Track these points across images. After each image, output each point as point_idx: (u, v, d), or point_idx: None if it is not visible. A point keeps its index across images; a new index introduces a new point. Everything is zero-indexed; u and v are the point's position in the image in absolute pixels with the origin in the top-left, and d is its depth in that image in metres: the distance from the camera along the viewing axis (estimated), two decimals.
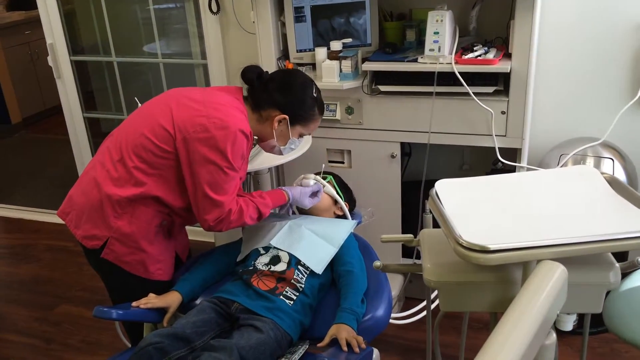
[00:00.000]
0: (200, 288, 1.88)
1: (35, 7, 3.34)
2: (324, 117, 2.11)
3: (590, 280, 1.26)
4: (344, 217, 2.08)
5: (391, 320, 2.49)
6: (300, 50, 2.51)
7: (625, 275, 1.59)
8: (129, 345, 2.04)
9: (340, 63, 2.34)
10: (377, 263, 1.55)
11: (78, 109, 3.50)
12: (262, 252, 1.86)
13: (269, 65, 2.48)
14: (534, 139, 2.43)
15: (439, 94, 2.24)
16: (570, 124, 2.51)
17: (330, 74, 2.33)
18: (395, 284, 2.59)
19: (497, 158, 2.27)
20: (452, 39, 2.22)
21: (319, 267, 1.80)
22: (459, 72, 2.15)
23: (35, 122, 5.84)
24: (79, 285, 3.13)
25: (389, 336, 2.53)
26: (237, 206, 1.78)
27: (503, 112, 2.23)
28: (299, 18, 2.45)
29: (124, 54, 3.37)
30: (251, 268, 1.81)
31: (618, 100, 2.42)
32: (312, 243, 1.86)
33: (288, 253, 1.83)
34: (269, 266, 1.80)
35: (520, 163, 2.28)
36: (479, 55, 2.17)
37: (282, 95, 1.83)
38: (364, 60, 2.37)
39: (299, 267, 1.79)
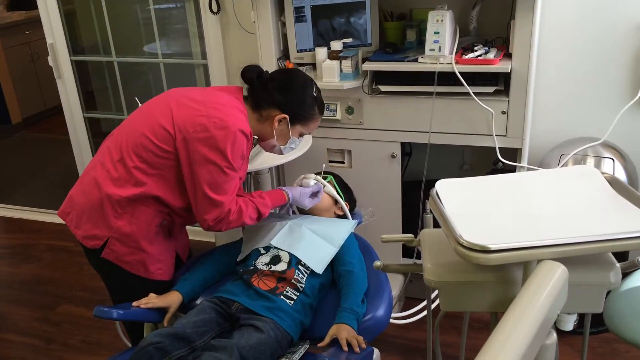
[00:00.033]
0: (201, 288, 1.88)
1: (35, 7, 3.34)
2: (324, 117, 2.11)
3: (590, 280, 1.26)
4: (344, 217, 2.08)
5: (391, 320, 2.49)
6: (301, 50, 2.51)
7: (625, 275, 1.59)
8: (130, 345, 2.04)
9: (340, 63, 2.34)
10: (378, 263, 1.55)
11: (78, 109, 3.50)
12: (263, 252, 1.86)
13: (270, 65, 2.48)
14: (534, 138, 2.43)
15: (439, 93, 2.24)
16: (571, 124, 2.51)
17: (330, 73, 2.33)
18: (396, 283, 2.59)
19: (498, 158, 2.27)
20: (453, 39, 2.22)
21: (319, 267, 1.80)
22: (460, 72, 2.15)
23: (36, 122, 5.84)
24: (79, 285, 3.13)
25: (389, 336, 2.53)
26: (236, 206, 1.78)
27: (503, 112, 2.23)
28: (299, 18, 2.45)
29: (125, 54, 3.37)
30: (251, 268, 1.81)
31: (618, 100, 2.42)
32: (313, 243, 1.86)
33: (288, 253, 1.83)
34: (269, 266, 1.80)
35: (520, 163, 2.28)
36: (480, 55, 2.17)
37: (282, 95, 1.83)
38: (364, 60, 2.37)
39: (300, 267, 1.79)
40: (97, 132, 3.62)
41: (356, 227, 2.01)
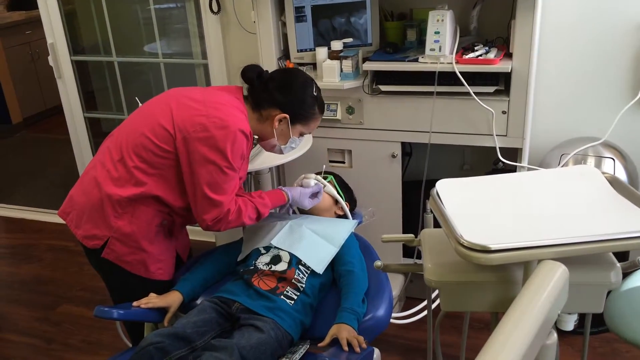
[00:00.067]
0: (201, 288, 1.88)
1: (35, 7, 3.34)
2: (324, 117, 2.11)
3: (591, 280, 1.26)
4: (344, 216, 2.08)
5: (392, 320, 2.49)
6: (301, 50, 2.51)
7: (626, 275, 1.59)
8: (130, 345, 2.03)
9: (341, 63, 2.34)
10: (378, 263, 1.55)
11: (79, 108, 3.50)
12: (263, 251, 1.86)
13: (270, 65, 2.48)
14: (534, 138, 2.43)
15: (439, 93, 2.24)
16: (571, 124, 2.51)
17: (331, 73, 2.33)
18: (396, 283, 2.59)
19: (498, 158, 2.27)
20: (453, 38, 2.22)
21: (319, 267, 1.80)
22: (460, 72, 2.15)
23: (36, 122, 5.84)
24: (79, 285, 3.13)
25: (389, 336, 2.53)
26: (235, 206, 1.78)
27: (504, 112, 2.23)
28: (299, 18, 2.45)
29: (125, 53, 3.37)
30: (252, 268, 1.81)
31: (619, 100, 2.42)
32: (313, 243, 1.86)
33: (289, 253, 1.83)
34: (269, 266, 1.80)
35: (521, 163, 2.28)
36: (480, 55, 2.17)
37: (282, 95, 1.83)
38: (364, 60, 2.37)
39: (300, 266, 1.79)
40: (98, 132, 3.62)
41: (356, 227, 2.01)
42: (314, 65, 2.48)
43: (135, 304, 1.74)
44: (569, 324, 2.27)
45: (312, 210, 2.03)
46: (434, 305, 1.78)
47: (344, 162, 2.55)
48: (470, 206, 1.34)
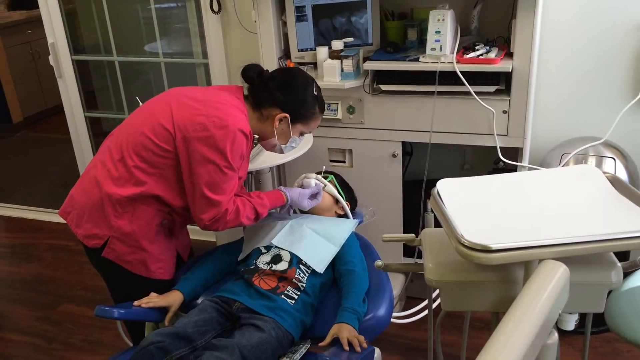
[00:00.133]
0: (202, 287, 1.88)
1: (36, 6, 3.35)
2: (325, 117, 2.11)
3: (592, 280, 1.26)
4: (345, 216, 2.08)
5: (393, 320, 2.49)
6: (302, 50, 2.51)
7: (627, 274, 1.59)
8: (131, 345, 2.04)
9: (341, 62, 2.33)
10: (379, 262, 1.55)
11: (79, 108, 3.50)
12: (264, 251, 1.86)
13: (271, 64, 2.48)
14: (535, 138, 2.43)
15: (440, 93, 2.24)
16: (572, 124, 2.51)
17: (331, 73, 2.33)
18: (397, 283, 2.59)
19: (499, 157, 2.27)
20: (454, 38, 2.22)
21: (320, 266, 1.80)
22: (461, 72, 2.15)
23: (37, 122, 5.85)
24: (80, 285, 3.13)
25: (390, 335, 2.53)
26: (233, 206, 1.78)
27: (504, 112, 2.23)
28: (300, 17, 2.45)
29: (125, 53, 3.37)
30: (252, 267, 1.81)
31: (619, 99, 2.41)
32: (314, 242, 1.86)
33: (289, 252, 1.83)
34: (270, 265, 1.80)
35: (521, 162, 2.28)
36: (481, 55, 2.17)
37: (282, 94, 1.83)
38: (365, 59, 2.36)
39: (301, 266, 1.79)
40: (98, 132, 3.63)
41: (357, 226, 2.01)
42: (314, 65, 2.48)
43: (136, 303, 1.74)
44: (570, 324, 2.27)
45: (313, 210, 2.03)
46: (434, 305, 1.78)
47: (344, 162, 2.55)
48: (471, 206, 1.34)
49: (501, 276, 1.28)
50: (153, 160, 1.74)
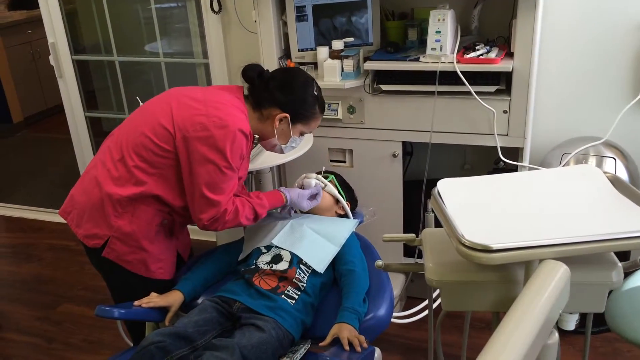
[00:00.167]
0: (202, 287, 1.88)
1: (36, 6, 3.35)
2: (325, 117, 2.11)
3: (592, 280, 1.26)
4: (345, 216, 2.08)
5: (393, 320, 2.49)
6: (302, 50, 2.51)
7: (627, 274, 1.59)
8: (131, 345, 2.04)
9: (342, 62, 2.33)
10: (379, 262, 1.55)
11: (79, 108, 3.50)
12: (264, 250, 1.86)
13: (271, 64, 2.48)
14: (535, 138, 2.43)
15: (440, 93, 2.24)
16: (572, 124, 2.51)
17: (332, 73, 2.33)
18: (397, 283, 2.59)
19: (499, 157, 2.27)
20: (454, 38, 2.22)
21: (320, 266, 1.80)
22: (461, 71, 2.15)
23: (37, 122, 5.85)
24: (80, 285, 3.13)
25: (390, 335, 2.53)
26: (232, 206, 1.77)
27: (505, 112, 2.23)
28: (300, 17, 2.45)
29: (126, 53, 3.37)
30: (253, 267, 1.81)
31: (620, 99, 2.41)
32: (314, 242, 1.86)
33: (290, 252, 1.83)
34: (270, 265, 1.80)
35: (522, 162, 2.28)
36: (481, 55, 2.17)
37: (283, 94, 1.82)
38: (365, 59, 2.36)
39: (301, 266, 1.79)
40: (99, 132, 3.63)
41: (357, 226, 2.01)
42: (315, 65, 2.48)
43: (136, 303, 1.74)
44: (571, 324, 2.27)
45: (313, 210, 2.03)
46: (435, 305, 1.78)
47: (344, 162, 2.55)
48: (471, 206, 1.34)
49: (502, 276, 1.28)
50: (153, 160, 1.74)
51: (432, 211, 1.43)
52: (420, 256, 2.54)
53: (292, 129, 1.86)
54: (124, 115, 3.48)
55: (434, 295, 1.98)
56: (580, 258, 1.21)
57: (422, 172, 2.39)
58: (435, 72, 2.18)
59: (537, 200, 1.35)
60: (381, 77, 2.34)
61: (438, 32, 2.16)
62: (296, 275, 1.76)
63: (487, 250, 1.12)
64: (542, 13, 2.11)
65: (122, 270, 1.82)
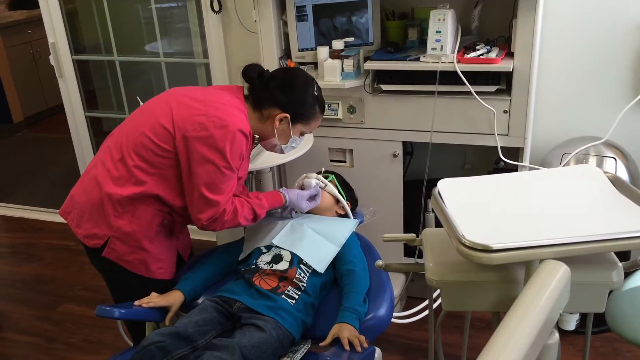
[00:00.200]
0: (202, 287, 1.88)
1: (37, 6, 3.35)
2: (325, 116, 2.11)
3: (593, 280, 1.26)
4: (345, 216, 2.08)
5: (393, 320, 2.49)
6: (302, 49, 2.51)
7: (627, 274, 1.59)
8: (131, 344, 2.04)
9: (342, 62, 2.33)
10: (379, 262, 1.55)
11: (80, 108, 3.50)
12: (264, 250, 1.86)
13: (271, 64, 2.48)
14: (536, 138, 2.43)
15: (441, 93, 2.24)
16: (573, 123, 2.51)
17: (332, 73, 2.33)
18: (397, 283, 2.59)
19: (499, 157, 2.27)
20: (454, 37, 2.22)
21: (321, 266, 1.80)
22: (461, 71, 2.15)
23: (37, 121, 5.85)
24: (80, 284, 3.13)
25: (391, 335, 2.53)
26: (231, 206, 1.77)
27: (505, 111, 2.22)
28: (300, 17, 2.45)
29: (126, 53, 3.37)
30: (253, 267, 1.81)
31: (620, 99, 2.41)
32: (314, 242, 1.86)
33: (290, 252, 1.83)
34: (270, 265, 1.80)
35: (522, 162, 2.28)
36: (481, 54, 2.17)
37: (283, 94, 1.82)
38: (366, 59, 2.36)
39: (301, 265, 1.79)
40: (99, 131, 3.63)
41: (358, 226, 2.01)
42: (315, 65, 2.48)
43: (136, 303, 1.74)
44: (571, 324, 2.27)
45: (314, 210, 2.03)
46: (435, 305, 1.78)
47: (345, 162, 2.55)
48: (471, 206, 1.34)
49: (502, 276, 1.28)
50: (153, 160, 1.74)
51: (433, 211, 1.43)
52: (420, 256, 2.54)
53: (292, 129, 1.86)
54: (124, 115, 3.48)
55: (434, 295, 1.98)
56: (580, 258, 1.21)
57: (423, 172, 2.39)
58: (436, 72, 2.18)
59: (537, 200, 1.35)
60: (381, 77, 2.34)
61: (438, 32, 2.16)
62: (296, 275, 1.77)
63: (488, 250, 1.12)
64: (542, 13, 2.11)
65: (122, 270, 1.82)
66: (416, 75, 2.27)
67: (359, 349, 1.56)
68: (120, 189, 1.75)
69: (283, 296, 1.72)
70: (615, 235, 1.14)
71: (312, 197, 2.01)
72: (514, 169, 2.31)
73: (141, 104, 1.94)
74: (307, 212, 2.04)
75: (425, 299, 2.54)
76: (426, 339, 2.47)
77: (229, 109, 1.75)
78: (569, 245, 1.13)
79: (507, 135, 2.25)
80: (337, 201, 2.07)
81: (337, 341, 1.60)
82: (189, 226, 2.03)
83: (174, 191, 1.78)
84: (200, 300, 1.83)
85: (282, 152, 1.96)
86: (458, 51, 2.19)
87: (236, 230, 2.00)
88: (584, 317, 2.31)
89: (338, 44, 2.37)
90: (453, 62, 2.16)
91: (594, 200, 1.32)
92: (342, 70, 2.34)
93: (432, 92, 2.24)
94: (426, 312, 2.53)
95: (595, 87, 2.45)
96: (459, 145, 2.40)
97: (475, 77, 2.18)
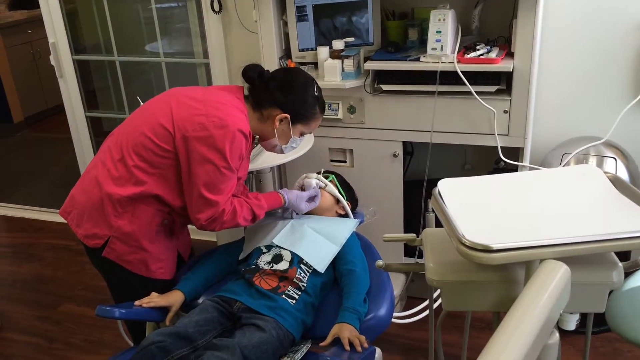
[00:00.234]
0: (203, 287, 1.88)
1: (37, 6, 3.35)
2: (326, 116, 2.10)
3: (593, 280, 1.26)
4: (346, 216, 2.08)
5: (393, 320, 2.49)
6: (303, 50, 2.51)
7: (628, 274, 1.59)
8: (132, 344, 2.04)
9: (342, 62, 2.33)
10: (380, 262, 1.55)
11: (80, 108, 3.50)
12: (265, 250, 1.86)
13: (272, 64, 2.48)
14: (536, 138, 2.43)
15: (441, 93, 2.24)
16: (573, 123, 2.51)
17: (332, 73, 2.33)
18: (398, 283, 2.59)
19: (500, 157, 2.27)
20: (455, 38, 2.22)
21: (321, 266, 1.80)
22: (462, 71, 2.15)
23: (37, 121, 5.85)
24: (81, 284, 3.14)
25: (391, 335, 2.53)
26: (231, 207, 1.77)
27: (505, 111, 2.22)
28: (301, 17, 2.45)
29: (126, 53, 3.37)
30: (253, 267, 1.81)
31: (620, 99, 2.41)
32: (315, 241, 1.86)
33: (290, 251, 1.83)
34: (271, 265, 1.80)
35: (522, 162, 2.28)
36: (482, 54, 2.17)
37: (283, 94, 1.82)
38: (366, 59, 2.36)
39: (302, 265, 1.79)
40: (99, 131, 3.63)
41: (358, 226, 2.01)
42: (315, 65, 2.48)
43: (137, 303, 1.74)
44: (571, 324, 2.27)
45: (314, 210, 2.03)
46: (435, 305, 1.78)
47: (345, 162, 2.55)
48: (472, 206, 1.34)
49: (502, 276, 1.28)
50: (153, 160, 1.74)
51: (433, 211, 1.43)
52: (420, 256, 2.54)
53: (292, 129, 1.86)
54: (124, 115, 3.48)
55: (435, 295, 1.98)
56: (580, 258, 1.21)
57: (423, 172, 2.39)
58: (436, 72, 2.18)
59: (537, 200, 1.35)
60: (382, 77, 2.34)
61: (438, 32, 2.16)
62: (297, 275, 1.77)
63: (488, 250, 1.12)
64: (542, 13, 2.11)
65: (123, 270, 1.82)
66: (416, 75, 2.27)
67: (359, 349, 1.56)
68: (120, 189, 1.75)
69: (283, 296, 1.72)
70: (616, 236, 1.14)
71: (311, 199, 2.01)
72: (514, 169, 2.31)
73: (141, 104, 1.94)
74: (308, 212, 2.04)
75: (425, 299, 2.54)
76: (426, 339, 2.47)
77: (229, 109, 1.75)
78: (569, 246, 1.13)
79: (508, 135, 2.25)
80: (338, 201, 2.07)
81: (337, 341, 1.60)
82: (189, 226, 2.03)
83: (174, 191, 1.78)
84: (200, 300, 1.83)
85: (282, 152, 1.96)
86: (458, 51, 2.19)
87: (236, 230, 2.00)
88: (584, 317, 2.32)
89: (338, 44, 2.37)
90: (453, 62, 2.16)
91: (594, 200, 1.32)
92: (343, 70, 2.34)
93: (432, 92, 2.24)
94: (426, 312, 2.53)
95: (595, 87, 2.45)
96: (459, 145, 2.40)
97: (476, 77, 2.18)
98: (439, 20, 2.14)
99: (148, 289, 1.80)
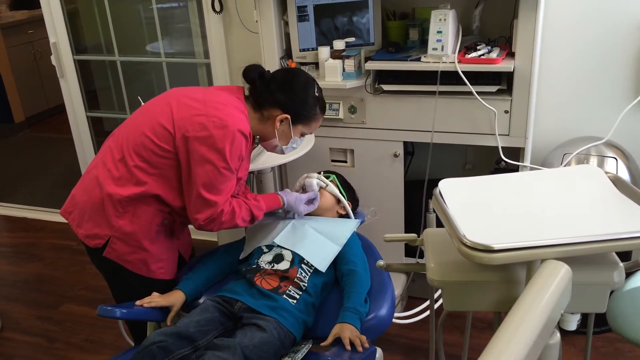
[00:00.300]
0: (204, 287, 1.88)
1: (38, 6, 3.35)
2: (326, 117, 2.10)
3: (594, 280, 1.25)
4: (346, 216, 2.08)
5: (394, 320, 2.49)
6: (303, 50, 2.51)
7: (629, 274, 1.59)
8: (132, 344, 2.04)
9: (343, 62, 2.33)
10: (381, 262, 1.55)
11: (81, 108, 3.50)
12: (266, 250, 1.86)
13: (272, 64, 2.48)
14: (537, 138, 2.43)
15: (442, 93, 2.24)
16: (574, 123, 2.51)
17: (333, 73, 2.33)
18: (399, 283, 2.59)
19: (501, 157, 2.27)
20: (455, 38, 2.22)
21: (322, 265, 1.80)
22: (462, 71, 2.15)
23: (38, 121, 5.85)
24: (82, 284, 3.14)
25: (392, 335, 2.53)
26: (229, 207, 1.77)
27: (506, 111, 2.22)
28: (302, 17, 2.45)
29: (127, 53, 3.37)
30: (254, 266, 1.81)
31: (621, 99, 2.41)
32: (316, 241, 1.86)
33: (291, 251, 1.83)
34: (272, 264, 1.80)
35: (523, 162, 2.28)
36: (482, 55, 2.17)
37: (283, 95, 1.82)
38: (367, 59, 2.36)
39: (303, 265, 1.79)
40: (100, 131, 3.63)
41: (359, 226, 2.01)
42: (316, 65, 2.48)
43: (138, 303, 1.74)
44: (572, 324, 2.27)
45: (315, 210, 2.03)
46: (436, 305, 1.79)
47: (346, 162, 2.55)
48: (473, 206, 1.34)
49: (503, 276, 1.28)
50: (153, 160, 1.74)
51: (434, 211, 1.43)
52: (421, 256, 2.54)
53: (292, 129, 1.86)
54: (125, 115, 3.48)
55: (436, 295, 1.98)
56: (582, 258, 1.21)
57: (424, 172, 2.39)
58: (437, 72, 2.18)
59: (538, 200, 1.35)
60: (382, 77, 2.34)
61: (439, 32, 2.16)
62: (298, 275, 1.77)
63: (489, 250, 1.12)
64: (543, 13, 2.11)
65: (123, 270, 1.82)
66: (417, 76, 2.27)
67: (360, 349, 1.56)
68: (121, 189, 1.75)
69: (284, 296, 1.72)
70: (617, 236, 1.14)
71: (310, 201, 2.01)
72: (515, 169, 2.31)
73: (142, 104, 1.94)
74: (309, 213, 2.04)
75: (426, 299, 2.54)
76: (427, 339, 2.47)
77: (229, 109, 1.75)
78: (571, 246, 1.13)
79: (508, 135, 2.25)
80: (338, 201, 2.07)
81: (338, 341, 1.60)
82: (189, 226, 2.03)
83: (174, 191, 1.78)
84: (201, 300, 1.83)
85: (282, 152, 1.96)
86: (459, 51, 2.19)
87: (237, 230, 2.00)
88: (585, 317, 2.31)
89: (339, 44, 2.37)
90: (454, 62, 2.16)
91: (595, 200, 1.32)
92: (343, 70, 2.34)
93: (433, 92, 2.24)
94: (427, 312, 2.53)
95: (596, 87, 2.45)
96: (460, 146, 2.40)
97: (476, 77, 2.18)
98: (440, 20, 2.14)
99: (149, 289, 1.80)
